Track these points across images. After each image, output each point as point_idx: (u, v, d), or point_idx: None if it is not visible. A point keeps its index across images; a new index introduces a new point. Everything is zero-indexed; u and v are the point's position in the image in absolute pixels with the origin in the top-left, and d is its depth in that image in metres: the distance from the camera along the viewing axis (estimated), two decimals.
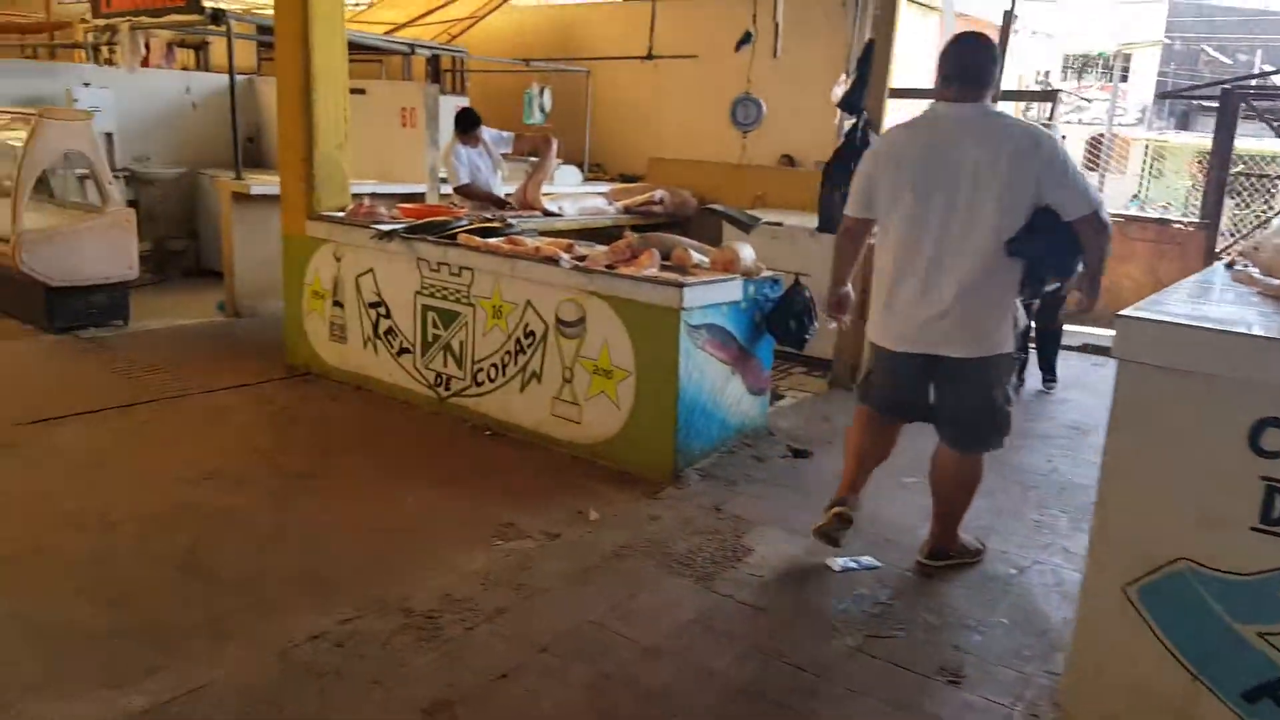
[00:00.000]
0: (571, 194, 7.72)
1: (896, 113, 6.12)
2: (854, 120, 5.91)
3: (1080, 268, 3.27)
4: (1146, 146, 16.89)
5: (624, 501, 4.12)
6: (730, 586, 3.42)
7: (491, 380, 4.83)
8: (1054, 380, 6.60)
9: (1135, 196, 14.96)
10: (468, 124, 6.88)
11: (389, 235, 5.03)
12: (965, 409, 3.43)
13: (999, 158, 3.14)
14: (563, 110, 10.40)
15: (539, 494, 4.15)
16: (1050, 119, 9.39)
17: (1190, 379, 2.33)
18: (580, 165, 10.05)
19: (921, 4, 11.52)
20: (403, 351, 5.18)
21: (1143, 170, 16.22)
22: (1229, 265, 3.52)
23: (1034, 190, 3.14)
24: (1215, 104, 9.66)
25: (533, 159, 7.37)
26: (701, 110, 9.77)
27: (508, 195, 7.11)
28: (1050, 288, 3.51)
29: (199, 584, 3.21)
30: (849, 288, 3.70)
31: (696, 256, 4.60)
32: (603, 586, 3.36)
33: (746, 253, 4.58)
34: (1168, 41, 25.49)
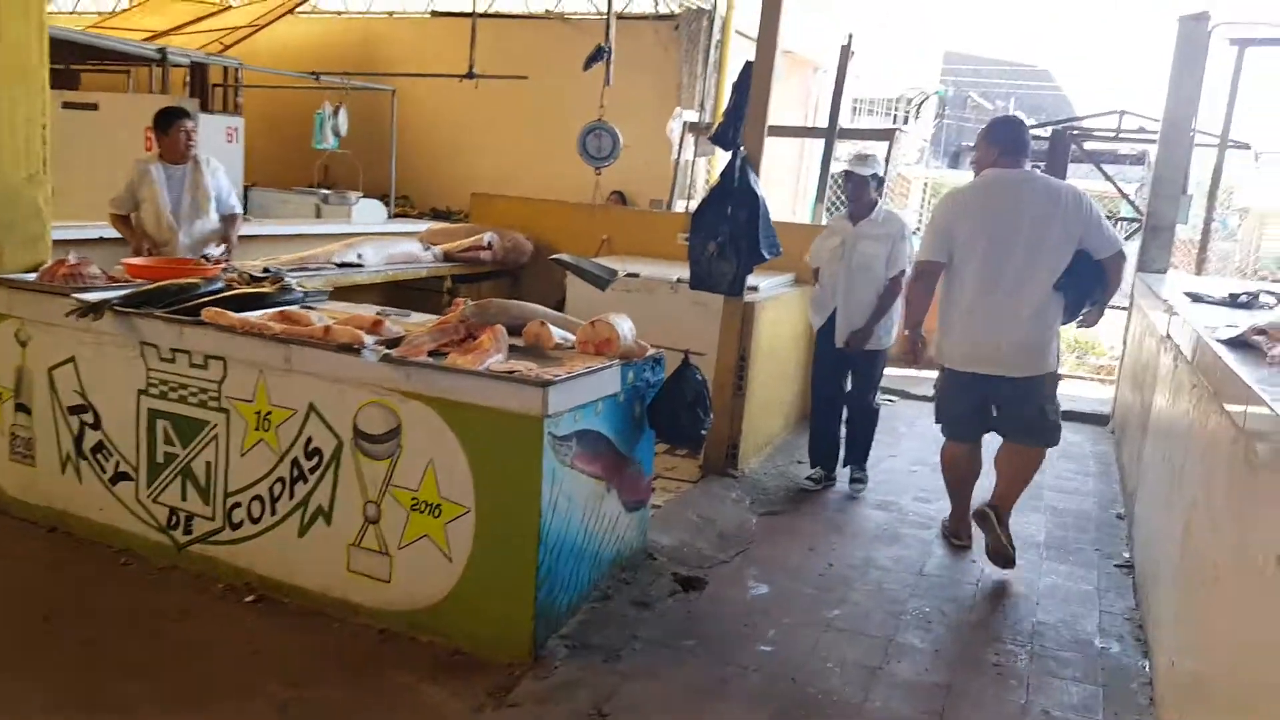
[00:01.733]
0: (375, 236, 6.18)
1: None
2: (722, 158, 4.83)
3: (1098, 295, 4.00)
4: (925, 184, 17.45)
5: (461, 713, 2.74)
6: None
7: (254, 520, 3.31)
8: (865, 475, 5.09)
9: (916, 230, 15.11)
10: (163, 125, 5.04)
11: (95, 309, 3.40)
12: (1026, 418, 4.05)
13: (1053, 212, 3.88)
14: (363, 134, 8.86)
15: (332, 712, 2.70)
16: (888, 158, 8.90)
17: None
18: (385, 199, 8.52)
19: (749, 37, 10.89)
20: (120, 478, 3.54)
21: (921, 205, 16.67)
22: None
23: (1079, 236, 3.88)
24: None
25: (324, 189, 5.83)
26: (533, 139, 8.54)
27: (213, 258, 4.81)
28: (1083, 315, 4.06)
29: None
30: (923, 329, 4.20)
31: (558, 334, 3.31)
32: None
33: (625, 328, 3.34)
34: (942, 88, 27.03)
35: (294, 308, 3.48)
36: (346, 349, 3.05)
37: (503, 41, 8.92)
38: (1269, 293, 4.00)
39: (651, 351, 3.55)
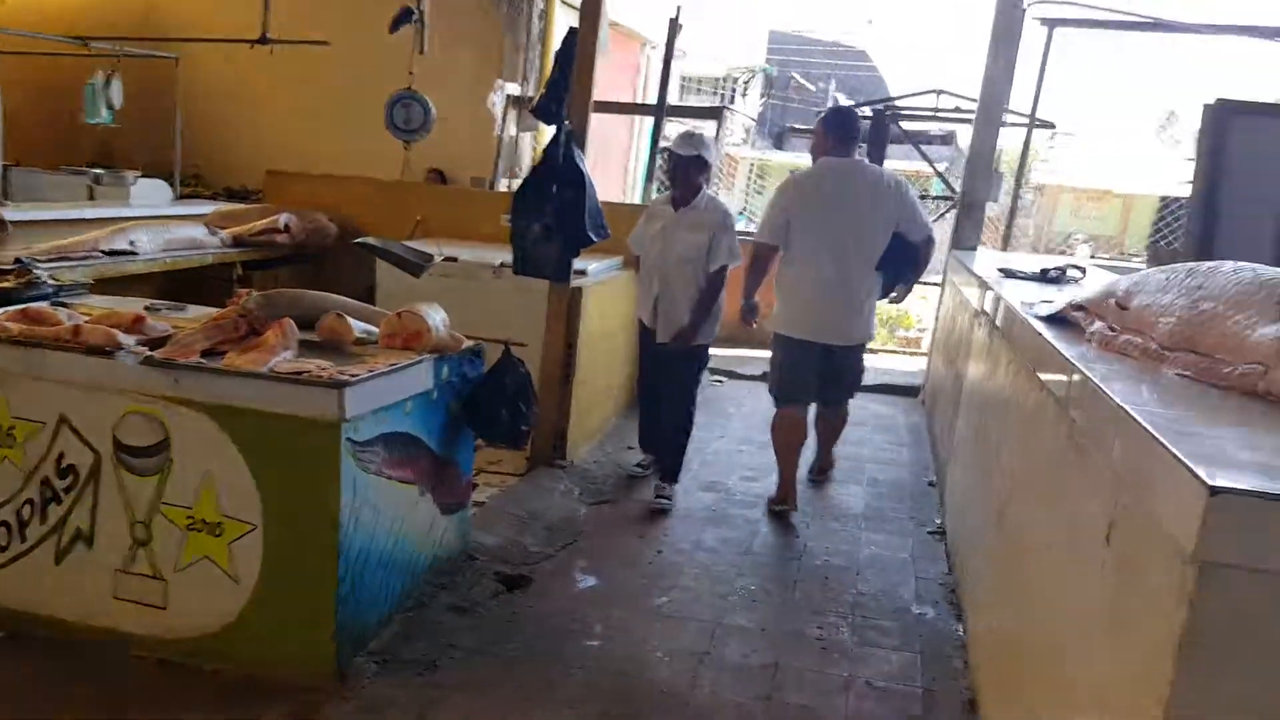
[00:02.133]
0: (152, 220, 5.52)
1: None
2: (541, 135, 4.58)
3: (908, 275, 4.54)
4: (751, 165, 17.73)
5: None
6: None
7: (1, 549, 2.84)
8: (671, 495, 4.55)
9: (742, 211, 15.35)
10: None
11: None
12: (850, 377, 4.72)
13: (878, 198, 4.31)
14: (144, 107, 8.01)
15: None
16: (718, 137, 8.89)
17: None
18: (171, 179, 7.75)
19: (575, 7, 10.59)
20: None
21: (748, 186, 16.89)
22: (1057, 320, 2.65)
23: (896, 220, 4.32)
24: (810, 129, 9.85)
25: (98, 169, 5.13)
26: (338, 112, 7.97)
27: None
28: (896, 292, 4.58)
29: None
30: (758, 299, 4.45)
31: (360, 327, 3.00)
32: None
33: (437, 319, 3.07)
34: (766, 68, 27.56)
35: (42, 304, 3.00)
36: (99, 351, 2.63)
37: (301, 5, 8.25)
38: (1076, 267, 4.17)
39: (468, 344, 3.30)
